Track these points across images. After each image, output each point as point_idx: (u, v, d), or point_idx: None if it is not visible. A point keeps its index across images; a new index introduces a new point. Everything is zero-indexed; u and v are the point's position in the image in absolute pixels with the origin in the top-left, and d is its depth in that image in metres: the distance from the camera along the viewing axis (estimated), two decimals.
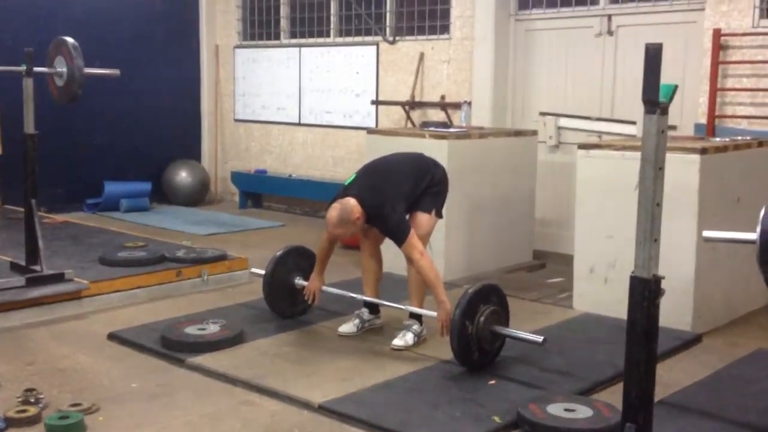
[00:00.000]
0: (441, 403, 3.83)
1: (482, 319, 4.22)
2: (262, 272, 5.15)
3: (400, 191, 4.60)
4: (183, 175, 9.87)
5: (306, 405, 3.85)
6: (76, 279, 5.49)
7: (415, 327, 4.72)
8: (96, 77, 5.97)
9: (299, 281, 5.10)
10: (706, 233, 3.55)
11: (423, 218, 4.71)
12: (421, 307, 4.73)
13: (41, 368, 4.33)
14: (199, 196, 9.99)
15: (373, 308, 4.99)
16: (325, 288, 5.02)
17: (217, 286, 6.06)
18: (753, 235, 3.03)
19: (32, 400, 3.76)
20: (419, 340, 4.71)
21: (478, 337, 4.21)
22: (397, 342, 4.65)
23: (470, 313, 4.20)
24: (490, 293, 4.37)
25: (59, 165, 8.82)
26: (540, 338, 4.24)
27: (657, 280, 3.00)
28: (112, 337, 4.83)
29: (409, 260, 4.51)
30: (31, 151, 5.51)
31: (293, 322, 5.09)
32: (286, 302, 5.15)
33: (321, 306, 5.26)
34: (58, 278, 5.40)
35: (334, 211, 4.44)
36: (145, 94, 9.69)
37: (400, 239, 4.47)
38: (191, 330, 4.72)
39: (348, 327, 4.90)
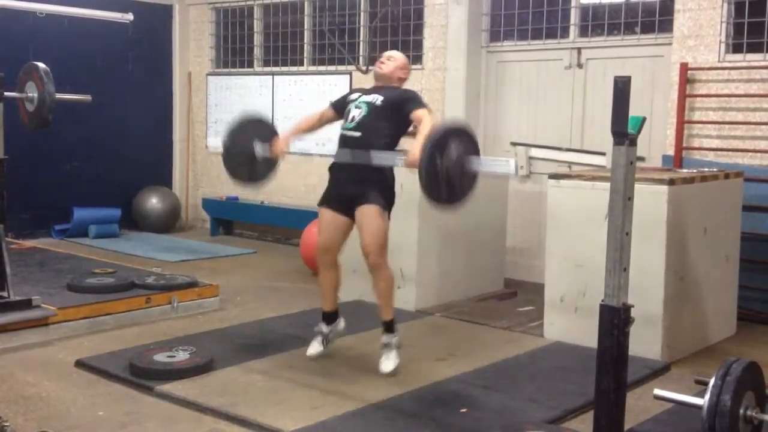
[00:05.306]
0: None
1: (452, 154, 4.02)
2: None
3: None
4: (153, 202, 9.81)
5: None
6: (44, 305, 5.42)
7: (395, 340, 4.62)
8: (67, 103, 5.93)
9: (258, 149, 5.03)
10: (657, 392, 3.63)
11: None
12: (391, 317, 4.63)
13: (6, 396, 4.25)
14: (169, 222, 9.93)
15: (330, 317, 4.87)
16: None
17: (187, 313, 6.01)
18: (700, 400, 3.07)
19: None
20: (400, 349, 4.63)
21: (447, 172, 4.02)
22: (385, 366, 4.55)
23: (440, 147, 4.03)
24: (461, 132, 4.21)
25: (28, 190, 8.74)
26: (511, 165, 4.03)
27: (626, 308, 3.03)
28: (79, 364, 4.77)
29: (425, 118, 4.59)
30: None
31: (263, 350, 5.05)
32: (246, 167, 5.17)
33: (290, 333, 5.23)
34: (26, 304, 5.33)
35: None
36: (116, 120, 9.64)
37: (418, 103, 4.80)
38: (160, 357, 4.67)
39: (314, 348, 4.82)
